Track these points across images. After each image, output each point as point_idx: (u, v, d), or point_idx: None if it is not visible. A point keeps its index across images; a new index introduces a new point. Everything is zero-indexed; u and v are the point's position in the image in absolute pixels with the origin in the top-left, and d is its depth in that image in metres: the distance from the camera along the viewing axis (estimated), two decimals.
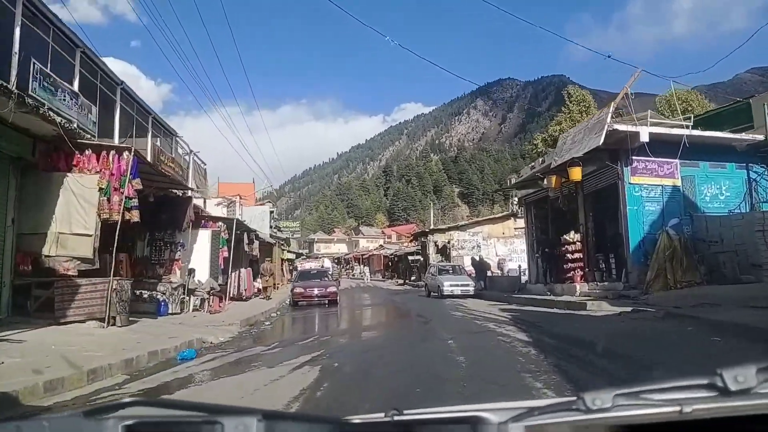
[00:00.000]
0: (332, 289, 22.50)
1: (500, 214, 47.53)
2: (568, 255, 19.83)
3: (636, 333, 9.76)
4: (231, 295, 21.76)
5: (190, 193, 18.08)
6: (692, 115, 18.12)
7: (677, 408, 0.87)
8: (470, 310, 16.94)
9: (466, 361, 7.47)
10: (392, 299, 26.47)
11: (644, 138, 16.27)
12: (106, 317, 11.07)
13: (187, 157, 25.57)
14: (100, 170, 11.66)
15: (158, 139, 21.65)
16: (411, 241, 57.86)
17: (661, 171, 17.33)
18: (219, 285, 19.59)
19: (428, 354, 8.43)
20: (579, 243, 19.51)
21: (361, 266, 77.01)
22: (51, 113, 11.99)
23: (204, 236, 19.58)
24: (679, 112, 18.84)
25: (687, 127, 17.37)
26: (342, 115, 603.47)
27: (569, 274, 19.77)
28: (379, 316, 18.52)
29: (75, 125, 14.35)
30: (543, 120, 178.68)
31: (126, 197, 11.65)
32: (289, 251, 53.62)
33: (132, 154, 11.82)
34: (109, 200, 11.59)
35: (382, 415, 0.95)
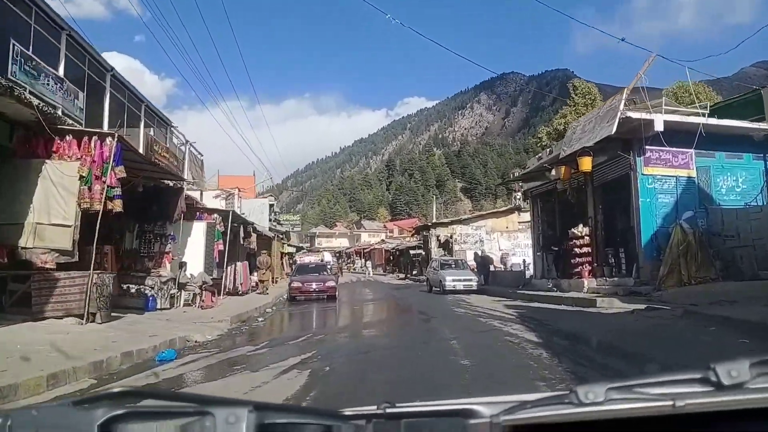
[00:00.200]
0: (331, 283, 21.78)
1: (504, 208, 46.80)
2: (576, 249, 19.05)
3: (655, 333, 9.00)
4: (227, 290, 21.06)
5: (182, 183, 17.39)
6: (708, 103, 17.26)
7: (670, 402, 0.85)
8: (473, 307, 16.21)
9: (471, 366, 6.73)
10: (393, 294, 25.73)
11: (659, 126, 15.47)
12: (85, 313, 10.36)
13: (183, 148, 24.88)
14: (81, 157, 10.91)
15: (152, 128, 20.95)
16: (413, 235, 57.13)
17: (675, 161, 16.54)
18: (213, 279, 18.89)
19: (430, 356, 7.67)
20: (588, 237, 18.74)
21: (363, 260, 76.34)
22: (32, 97, 11.31)
23: (198, 228, 18.88)
24: (695, 99, 17.96)
25: (703, 115, 16.55)
26: (345, 110, 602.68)
27: (577, 269, 19.01)
28: (378, 312, 17.78)
29: (60, 111, 13.68)
30: (547, 114, 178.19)
31: (108, 186, 10.90)
32: (289, 245, 52.89)
33: (115, 140, 11.05)
34: (90, 189, 10.84)
35: (375, 407, 0.93)
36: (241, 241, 24.40)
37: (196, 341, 9.92)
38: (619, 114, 15.42)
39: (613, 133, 15.40)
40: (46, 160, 10.85)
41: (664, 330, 9.33)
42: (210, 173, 34.26)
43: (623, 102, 15.83)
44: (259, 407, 0.83)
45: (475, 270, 27.62)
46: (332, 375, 6.54)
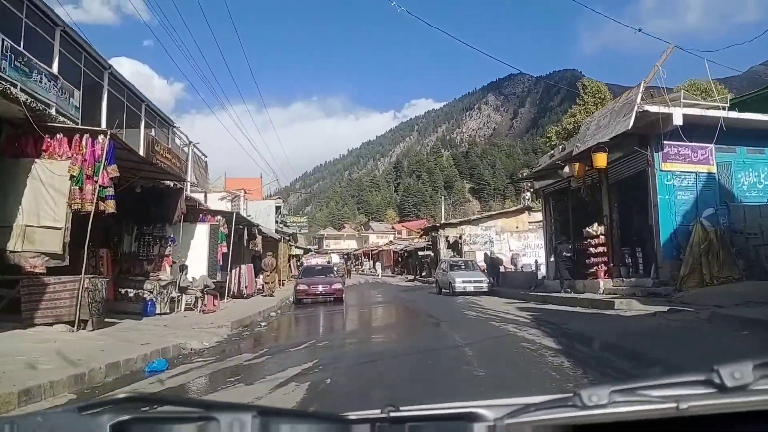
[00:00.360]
0: (337, 285, 21.21)
1: (514, 208, 46.06)
2: (591, 249, 18.39)
3: (684, 338, 8.34)
4: (231, 293, 20.54)
5: (186, 184, 16.90)
6: (728, 96, 16.55)
7: (674, 404, 0.85)
8: (485, 310, 15.57)
9: (487, 377, 6.12)
10: (401, 297, 25.09)
11: (677, 121, 14.79)
12: (76, 320, 9.83)
13: (186, 149, 24.39)
14: (72, 156, 10.37)
15: (153, 129, 20.45)
16: (421, 236, 56.49)
17: (694, 157, 15.84)
18: (217, 282, 18.36)
19: (441, 366, 7.03)
20: (603, 236, 18.06)
21: (371, 262, 75.72)
22: (20, 93, 10.81)
23: (202, 231, 18.37)
24: (716, 92, 17.23)
25: (723, 108, 15.85)
26: (353, 112, 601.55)
27: (592, 270, 18.34)
28: (386, 316, 17.16)
29: (53, 110, 13.18)
30: (555, 115, 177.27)
31: (100, 186, 10.35)
32: (296, 247, 52.37)
33: (108, 137, 10.51)
34: (81, 189, 10.27)
35: (378, 411, 0.93)
36: (246, 244, 23.89)
37: (192, 349, 9.35)
38: (636, 108, 14.76)
39: (629, 127, 14.74)
40: (36, 160, 10.34)
41: (692, 334, 8.67)
42: (215, 174, 33.76)
43: (640, 95, 15.18)
44: (263, 412, 0.85)
45: (485, 271, 26.97)
46: (333, 390, 5.92)
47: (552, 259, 21.40)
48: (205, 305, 15.87)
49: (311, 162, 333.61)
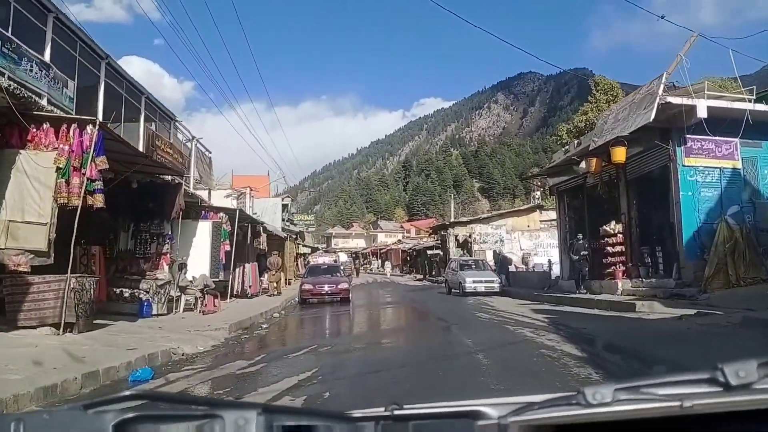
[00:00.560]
0: (344, 285, 20.51)
1: (525, 206, 45.14)
2: (608, 248, 17.59)
3: (722, 346, 7.55)
4: (235, 292, 19.89)
5: (190, 179, 16.26)
6: (754, 87, 15.70)
7: (678, 403, 0.85)
8: (498, 311, 14.83)
9: (506, 393, 5.40)
10: (409, 296, 24.35)
11: (702, 113, 14.01)
12: (61, 322, 9.18)
13: (189, 144, 23.78)
14: (59, 147, 9.72)
15: (154, 123, 19.83)
16: (430, 235, 55.69)
17: (719, 152, 15.04)
18: (220, 281, 17.72)
19: (453, 378, 6.30)
20: (621, 234, 17.26)
21: (379, 261, 74.98)
22: (5, 80, 10.20)
23: (204, 228, 17.68)
24: (740, 83, 16.37)
25: (749, 101, 15.03)
26: (361, 111, 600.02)
27: (609, 270, 17.54)
28: (394, 318, 16.43)
29: (45, 99, 12.56)
30: (565, 113, 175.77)
31: (88, 179, 9.71)
32: (304, 245, 51.72)
33: (96, 127, 9.85)
34: (68, 182, 9.64)
35: (383, 409, 0.93)
36: (250, 242, 23.24)
37: (184, 354, 8.68)
38: (657, 99, 14.01)
39: (651, 120, 14.00)
40: (21, 151, 9.71)
41: (729, 342, 7.92)
42: (221, 171, 33.23)
43: (662, 87, 14.40)
44: (268, 409, 0.84)
45: (495, 270, 26.23)
46: (331, 406, 5.22)
47: (567, 258, 20.62)
48: (205, 306, 15.21)
49: (320, 161, 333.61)
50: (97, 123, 9.90)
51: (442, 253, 42.97)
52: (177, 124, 22.01)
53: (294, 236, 41.99)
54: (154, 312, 13.35)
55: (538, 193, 54.36)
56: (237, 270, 20.51)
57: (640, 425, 0.87)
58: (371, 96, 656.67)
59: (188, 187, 21.08)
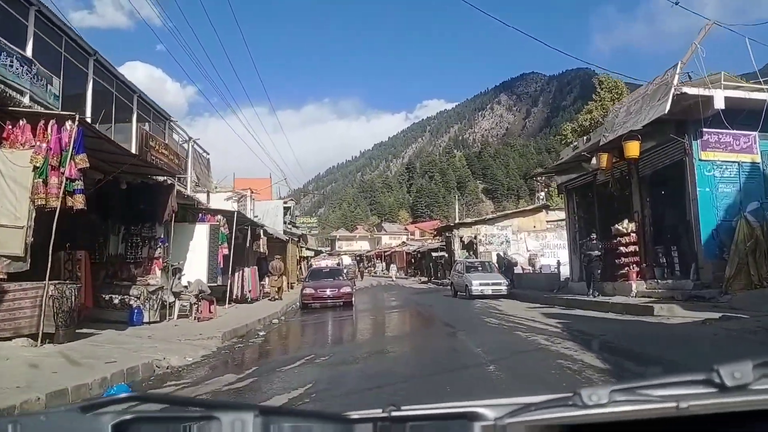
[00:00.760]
0: (346, 289, 19.83)
1: (531, 207, 44.41)
2: (621, 248, 16.85)
3: (756, 354, 6.84)
4: (234, 297, 19.22)
5: (187, 180, 15.61)
6: None
7: (674, 404, 0.84)
8: (507, 316, 14.12)
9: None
10: (414, 300, 23.62)
11: (719, 104, 13.30)
12: (39, 333, 8.52)
13: (186, 145, 23.14)
14: (36, 144, 9.08)
15: (148, 123, 19.18)
16: (435, 236, 54.93)
17: (736, 145, 14.33)
18: (218, 285, 17.03)
19: (463, 394, 5.58)
20: (634, 234, 16.52)
21: (383, 263, 74.22)
22: None
23: (201, 231, 17.01)
24: (758, 74, 15.62)
25: (767, 91, 14.29)
26: (364, 113, 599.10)
27: (622, 271, 16.81)
28: (398, 324, 15.71)
29: (27, 97, 11.92)
30: (568, 113, 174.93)
31: (67, 179, 9.05)
32: (307, 248, 51.04)
33: (76, 123, 9.19)
34: (45, 182, 8.98)
35: (380, 410, 0.92)
36: (250, 245, 22.58)
37: (168, 367, 7.98)
38: (673, 90, 13.28)
39: (666, 112, 13.26)
40: None
41: (765, 348, 7.20)
42: (222, 174, 32.65)
43: (677, 77, 13.68)
44: (264, 411, 0.84)
45: (501, 272, 25.53)
46: None
47: (577, 258, 19.88)
48: (200, 312, 14.53)
49: (324, 164, 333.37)
50: (77, 118, 9.22)
51: (447, 255, 42.26)
52: (172, 124, 21.35)
53: (296, 239, 41.35)
54: (146, 319, 12.68)
55: (543, 193, 53.70)
56: (236, 274, 19.84)
57: (636, 426, 0.85)
58: (374, 98, 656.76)
59: (186, 189, 20.45)
